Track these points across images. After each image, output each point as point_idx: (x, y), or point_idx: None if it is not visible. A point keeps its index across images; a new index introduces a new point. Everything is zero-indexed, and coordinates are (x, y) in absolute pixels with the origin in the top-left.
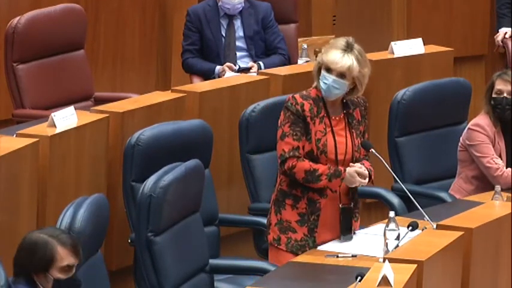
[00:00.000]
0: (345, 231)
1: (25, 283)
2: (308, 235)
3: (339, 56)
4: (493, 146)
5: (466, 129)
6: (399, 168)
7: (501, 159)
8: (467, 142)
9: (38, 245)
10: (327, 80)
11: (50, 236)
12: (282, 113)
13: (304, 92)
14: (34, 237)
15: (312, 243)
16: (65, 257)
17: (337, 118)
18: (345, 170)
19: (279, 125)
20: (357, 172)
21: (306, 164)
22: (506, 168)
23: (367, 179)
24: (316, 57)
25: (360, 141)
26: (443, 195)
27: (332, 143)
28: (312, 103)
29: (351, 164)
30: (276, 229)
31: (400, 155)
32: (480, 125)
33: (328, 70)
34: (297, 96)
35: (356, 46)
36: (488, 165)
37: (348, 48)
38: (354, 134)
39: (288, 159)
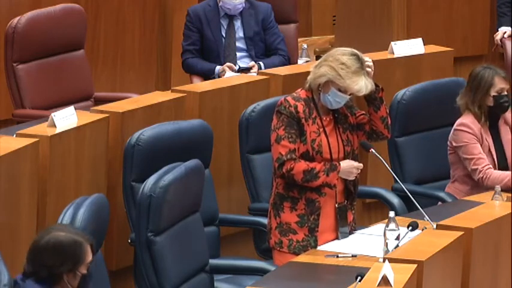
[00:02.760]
0: (342, 230)
1: (42, 282)
2: (309, 235)
3: (362, 84)
4: (481, 143)
5: (452, 130)
6: (399, 168)
7: (491, 154)
8: (454, 144)
9: (72, 246)
10: (339, 99)
11: (75, 234)
12: (274, 117)
13: (294, 94)
14: (62, 238)
15: (313, 243)
16: (90, 253)
17: (327, 119)
18: (339, 164)
19: (272, 128)
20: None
21: (303, 165)
22: (499, 165)
23: (361, 164)
24: (315, 58)
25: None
26: (443, 195)
27: (326, 143)
28: (304, 104)
29: None
30: (276, 233)
31: (400, 155)
32: (465, 123)
33: (344, 91)
34: (289, 98)
35: (362, 59)
36: (473, 167)
37: (363, 70)
38: (341, 129)
39: (286, 161)
